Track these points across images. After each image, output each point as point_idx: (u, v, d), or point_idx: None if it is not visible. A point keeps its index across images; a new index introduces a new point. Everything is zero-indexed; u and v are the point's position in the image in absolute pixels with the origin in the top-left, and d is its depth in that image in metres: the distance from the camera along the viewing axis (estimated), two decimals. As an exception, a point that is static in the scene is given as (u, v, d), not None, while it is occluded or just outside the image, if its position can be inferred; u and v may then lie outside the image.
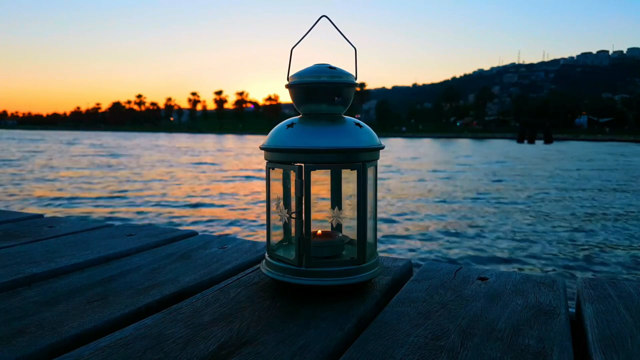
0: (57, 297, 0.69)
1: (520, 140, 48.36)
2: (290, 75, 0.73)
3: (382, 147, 0.72)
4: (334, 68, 0.71)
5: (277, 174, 0.75)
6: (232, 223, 6.70)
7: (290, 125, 0.71)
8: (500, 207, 8.27)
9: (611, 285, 0.75)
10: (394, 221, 6.86)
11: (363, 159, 0.69)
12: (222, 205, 8.20)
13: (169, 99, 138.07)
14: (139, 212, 7.47)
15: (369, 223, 0.72)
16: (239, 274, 0.81)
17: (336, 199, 0.79)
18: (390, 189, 10.51)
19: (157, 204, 8.24)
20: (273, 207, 0.74)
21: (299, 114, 0.75)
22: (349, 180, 0.74)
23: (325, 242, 0.74)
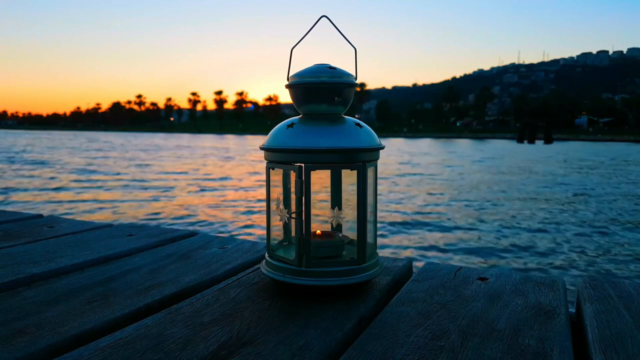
0: (57, 297, 0.69)
1: (520, 140, 48.36)
2: (290, 75, 0.73)
3: (382, 147, 0.72)
4: (334, 68, 0.71)
5: (277, 174, 0.75)
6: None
7: (290, 125, 0.71)
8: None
9: (611, 286, 0.75)
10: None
11: (363, 159, 0.69)
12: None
13: (169, 99, 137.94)
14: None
15: (369, 223, 0.72)
16: (239, 274, 0.81)
17: (336, 199, 0.79)
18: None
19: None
20: (273, 207, 0.74)
21: (299, 114, 0.75)
22: (349, 180, 0.74)
23: (325, 242, 0.74)
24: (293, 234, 0.74)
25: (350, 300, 0.68)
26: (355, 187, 0.70)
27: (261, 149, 0.73)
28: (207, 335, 0.57)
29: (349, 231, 0.78)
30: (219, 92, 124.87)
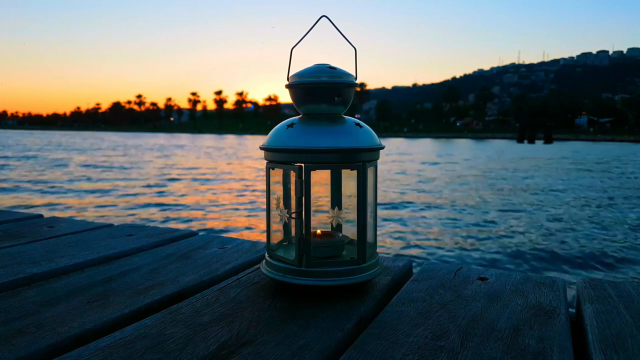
0: (57, 297, 0.69)
1: (520, 141, 48.35)
2: (290, 75, 0.73)
3: (382, 147, 0.72)
4: (334, 68, 0.71)
5: (277, 174, 0.75)
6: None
7: (290, 125, 0.71)
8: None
9: (611, 285, 0.75)
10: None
11: (363, 159, 0.69)
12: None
13: (169, 99, 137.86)
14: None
15: (369, 223, 0.72)
16: (239, 274, 0.81)
17: (336, 199, 0.79)
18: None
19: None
20: (273, 207, 0.74)
21: (299, 114, 0.75)
22: (349, 180, 0.74)
23: (325, 242, 0.74)
24: (293, 234, 0.74)
25: (350, 300, 0.68)
26: (355, 187, 0.70)
27: (261, 148, 0.73)
28: (207, 335, 0.57)
29: (349, 230, 0.78)
30: (219, 92, 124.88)
